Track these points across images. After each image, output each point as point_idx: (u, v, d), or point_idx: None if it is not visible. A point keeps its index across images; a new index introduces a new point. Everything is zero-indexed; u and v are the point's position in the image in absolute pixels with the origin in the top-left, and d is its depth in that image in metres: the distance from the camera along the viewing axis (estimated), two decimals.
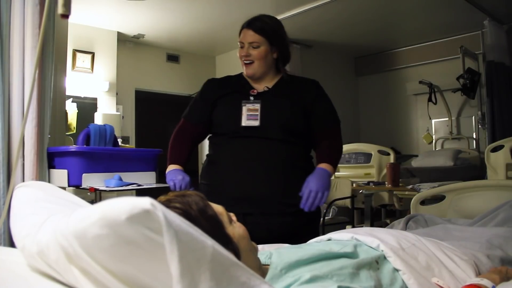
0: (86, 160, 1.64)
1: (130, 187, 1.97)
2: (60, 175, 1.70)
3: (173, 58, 5.20)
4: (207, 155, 1.65)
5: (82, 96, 4.19)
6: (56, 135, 3.06)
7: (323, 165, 1.55)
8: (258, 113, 1.53)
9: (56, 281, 0.58)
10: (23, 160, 1.72)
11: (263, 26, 1.56)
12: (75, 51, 4.10)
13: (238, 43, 1.60)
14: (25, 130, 1.72)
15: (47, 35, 1.75)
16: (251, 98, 1.57)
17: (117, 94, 4.44)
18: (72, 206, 0.76)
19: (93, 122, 4.03)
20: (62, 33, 3.16)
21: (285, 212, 1.48)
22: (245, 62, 1.58)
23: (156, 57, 5.05)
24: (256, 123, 1.51)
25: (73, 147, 1.69)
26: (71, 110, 3.82)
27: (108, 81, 4.33)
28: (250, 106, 1.54)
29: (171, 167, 1.57)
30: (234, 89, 1.62)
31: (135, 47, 4.86)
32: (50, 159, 1.83)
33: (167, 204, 0.71)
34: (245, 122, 1.52)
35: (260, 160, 1.49)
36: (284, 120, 1.53)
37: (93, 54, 4.25)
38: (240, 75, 1.67)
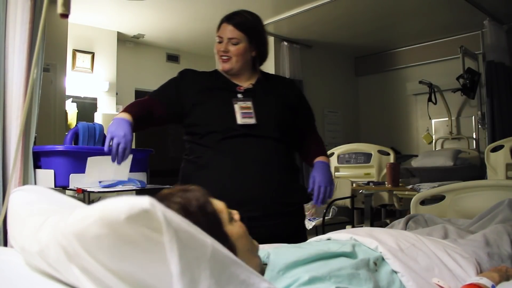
0: (74, 160, 1.56)
1: (128, 187, 1.96)
2: (46, 175, 1.62)
3: (173, 58, 5.20)
4: (190, 160, 1.50)
5: (82, 96, 4.19)
6: (56, 135, 3.08)
7: (322, 159, 1.56)
8: (252, 110, 1.46)
9: (56, 280, 0.58)
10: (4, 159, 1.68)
11: (244, 21, 1.50)
12: (75, 51, 4.10)
13: (216, 37, 1.52)
14: (11, 129, 1.69)
15: (35, 31, 1.73)
16: (239, 95, 1.50)
17: (117, 94, 4.43)
18: (70, 208, 0.76)
19: (93, 122, 4.03)
20: (62, 33, 3.17)
21: (286, 212, 1.46)
22: (222, 57, 1.52)
23: (156, 57, 5.05)
24: (252, 121, 1.44)
25: (59, 146, 1.62)
26: (71, 110, 3.83)
27: (108, 81, 4.33)
28: (241, 103, 1.46)
29: (121, 114, 1.39)
30: (215, 85, 1.54)
31: (135, 47, 4.86)
32: (36, 159, 1.76)
33: (168, 198, 0.71)
34: (240, 120, 1.43)
35: (259, 161, 1.44)
36: (279, 117, 1.50)
37: (93, 54, 4.25)
38: (216, 71, 1.60)
